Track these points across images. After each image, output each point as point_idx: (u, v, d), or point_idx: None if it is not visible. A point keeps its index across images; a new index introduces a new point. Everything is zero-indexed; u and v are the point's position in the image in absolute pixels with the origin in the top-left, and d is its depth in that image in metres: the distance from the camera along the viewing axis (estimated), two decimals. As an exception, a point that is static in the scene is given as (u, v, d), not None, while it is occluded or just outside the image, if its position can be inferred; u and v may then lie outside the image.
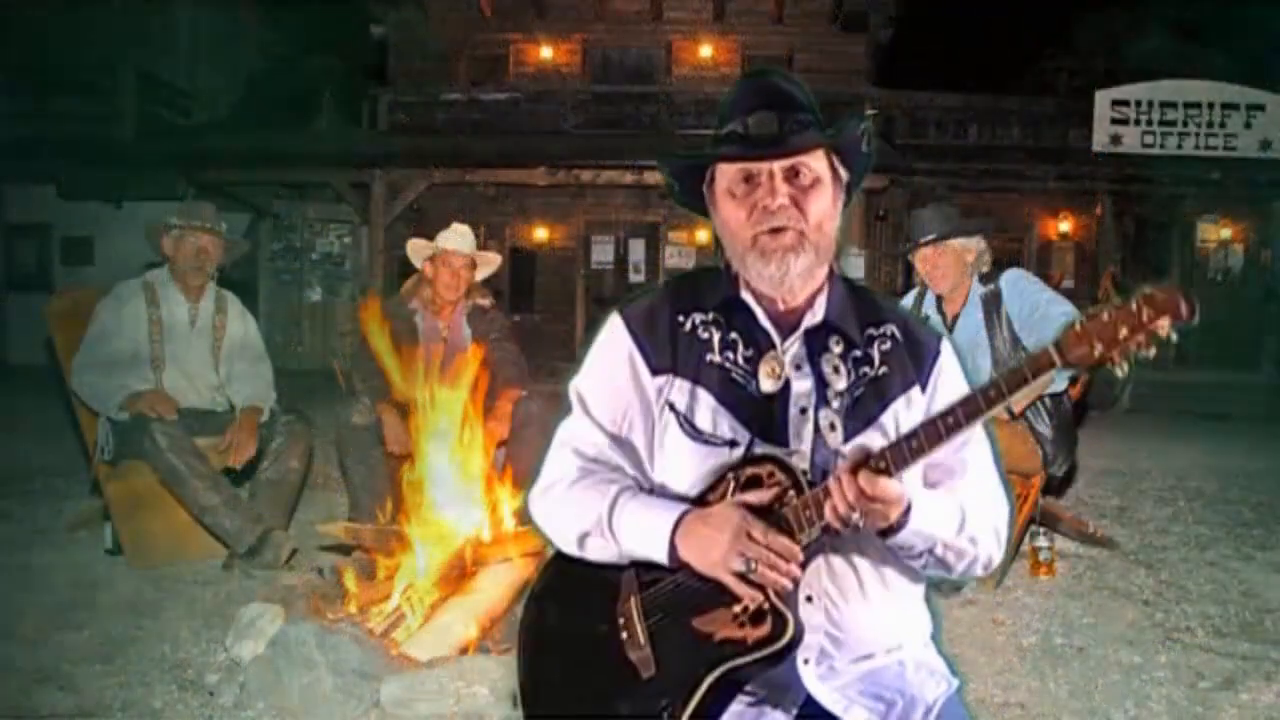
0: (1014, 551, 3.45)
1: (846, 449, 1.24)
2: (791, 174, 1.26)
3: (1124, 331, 1.02)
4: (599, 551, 1.27)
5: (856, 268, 10.92)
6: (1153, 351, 1.03)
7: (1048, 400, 3.37)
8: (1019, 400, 3.25)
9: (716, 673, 1.17)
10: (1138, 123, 11.69)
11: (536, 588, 1.41)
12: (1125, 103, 11.72)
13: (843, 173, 1.32)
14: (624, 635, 1.25)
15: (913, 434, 1.12)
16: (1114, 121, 11.71)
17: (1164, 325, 1.01)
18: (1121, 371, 1.04)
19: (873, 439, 1.25)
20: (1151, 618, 3.13)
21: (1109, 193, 12.03)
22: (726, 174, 1.29)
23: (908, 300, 3.72)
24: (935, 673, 1.31)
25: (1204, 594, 3.41)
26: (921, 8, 14.14)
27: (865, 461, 1.13)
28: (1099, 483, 5.25)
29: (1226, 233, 13.11)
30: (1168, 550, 3.99)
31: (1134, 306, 1.02)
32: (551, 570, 1.38)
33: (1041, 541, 3.51)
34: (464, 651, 2.45)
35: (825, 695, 1.23)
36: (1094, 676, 2.64)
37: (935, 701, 1.25)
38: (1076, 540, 3.97)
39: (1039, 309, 3.31)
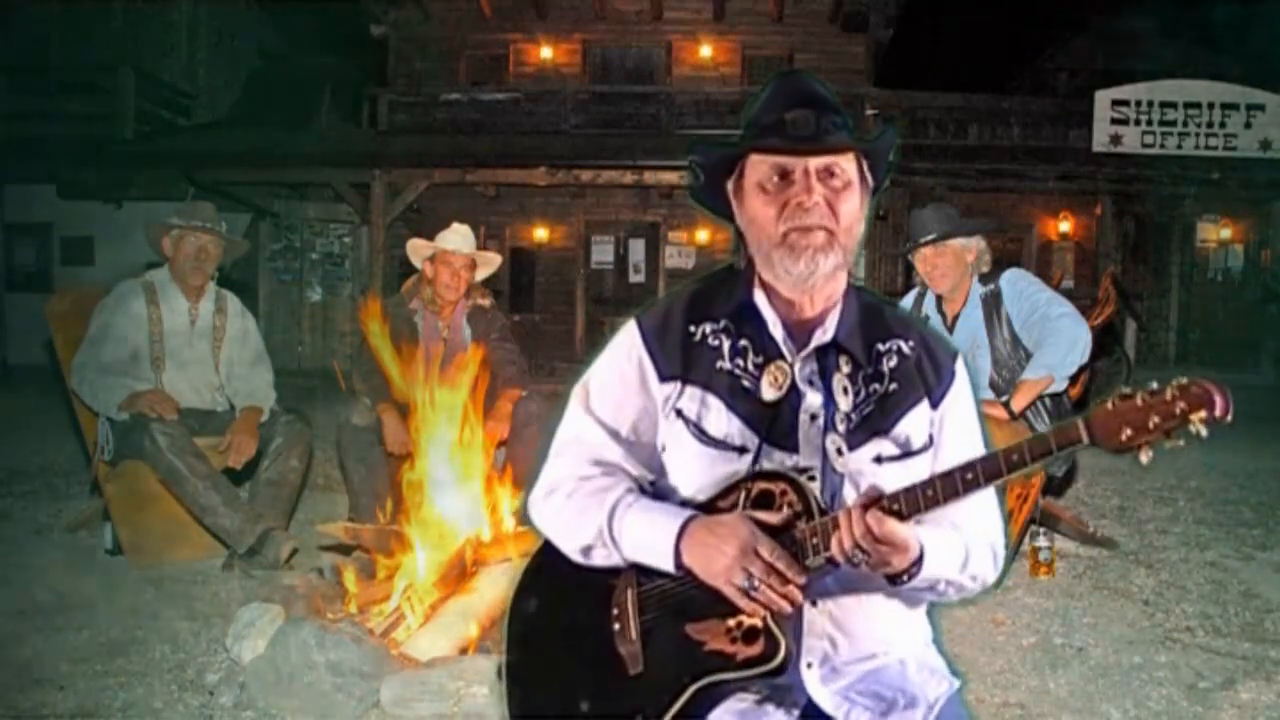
0: (1014, 551, 3.45)
1: (854, 466, 1.24)
2: (826, 174, 1.25)
3: (1155, 420, 0.99)
4: (603, 560, 1.28)
5: (856, 267, 10.92)
6: (1181, 442, 0.99)
7: (1048, 400, 3.37)
8: (1019, 403, 3.27)
9: (699, 684, 1.18)
10: (1138, 123, 11.68)
11: (535, 562, 1.40)
12: (1125, 103, 11.71)
13: (870, 179, 1.31)
14: (616, 627, 1.26)
15: (929, 484, 1.12)
16: (1114, 121, 11.70)
17: (1198, 419, 0.97)
18: (1146, 458, 1.01)
19: (883, 447, 1.26)
20: (1151, 618, 3.13)
21: (1109, 193, 12.04)
22: (759, 169, 1.27)
23: (908, 300, 3.72)
24: (936, 672, 1.31)
25: (1204, 594, 3.40)
26: (921, 8, 14.15)
27: (878, 500, 1.13)
28: (1099, 483, 5.24)
29: (1226, 233, 13.11)
30: (1168, 550, 3.98)
31: (1168, 395, 0.99)
32: (552, 548, 1.36)
33: (1041, 541, 3.51)
34: (464, 651, 2.45)
35: (826, 700, 1.23)
36: (1094, 676, 2.64)
37: (936, 701, 1.25)
38: (1076, 540, 3.97)
39: (1039, 309, 3.32)
